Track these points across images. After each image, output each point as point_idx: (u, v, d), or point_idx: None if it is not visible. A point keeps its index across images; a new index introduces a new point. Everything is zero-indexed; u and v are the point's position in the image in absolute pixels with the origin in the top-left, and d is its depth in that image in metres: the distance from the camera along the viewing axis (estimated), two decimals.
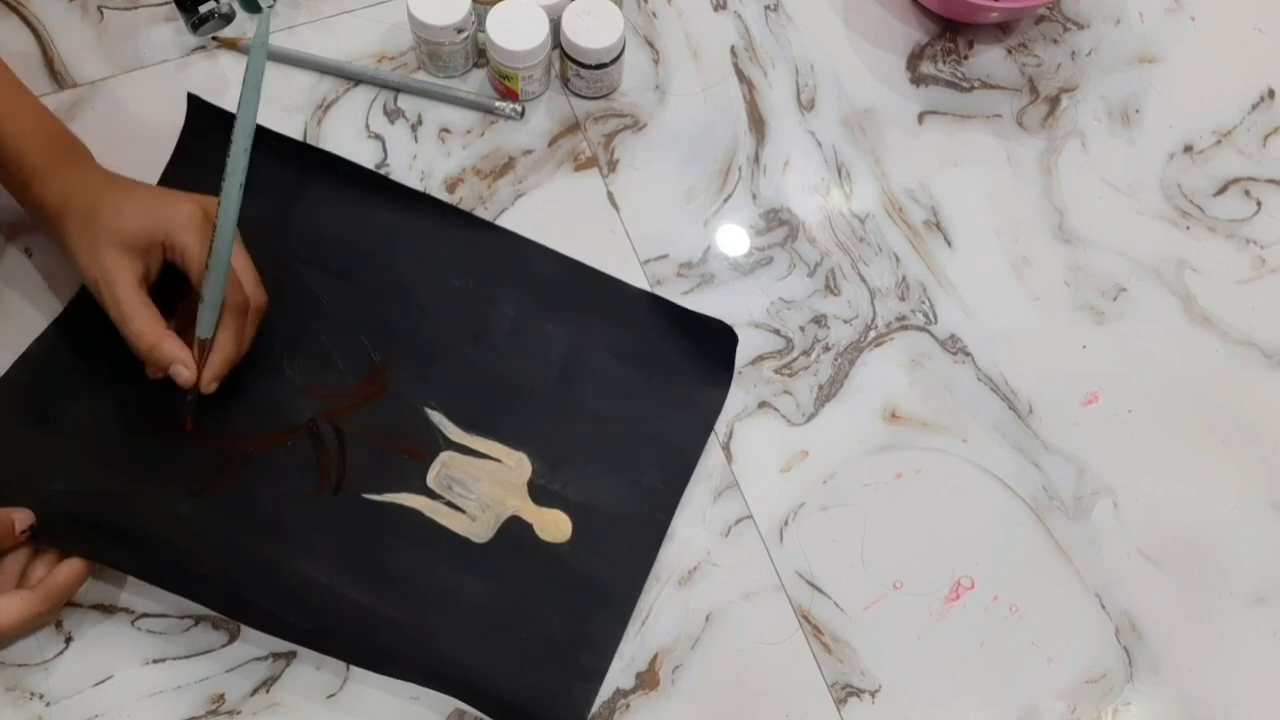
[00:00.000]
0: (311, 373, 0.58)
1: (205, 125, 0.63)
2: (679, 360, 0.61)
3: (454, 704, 0.53)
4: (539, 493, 0.57)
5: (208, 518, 0.54)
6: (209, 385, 0.55)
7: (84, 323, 0.57)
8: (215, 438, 0.56)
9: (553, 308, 0.61)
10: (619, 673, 0.55)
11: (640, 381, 0.60)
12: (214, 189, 0.53)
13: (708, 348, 0.61)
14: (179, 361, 0.53)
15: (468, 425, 0.58)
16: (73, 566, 0.51)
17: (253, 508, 0.55)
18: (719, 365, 0.61)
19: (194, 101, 0.64)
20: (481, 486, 0.57)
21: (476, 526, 0.56)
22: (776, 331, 0.63)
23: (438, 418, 0.58)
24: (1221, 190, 0.71)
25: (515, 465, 0.57)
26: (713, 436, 0.60)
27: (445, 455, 0.57)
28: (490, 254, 0.62)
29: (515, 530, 0.56)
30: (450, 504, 0.56)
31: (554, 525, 0.56)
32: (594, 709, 0.54)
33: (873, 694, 0.56)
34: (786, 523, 0.59)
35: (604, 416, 0.59)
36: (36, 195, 0.54)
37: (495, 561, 0.55)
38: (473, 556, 0.55)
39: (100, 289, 0.53)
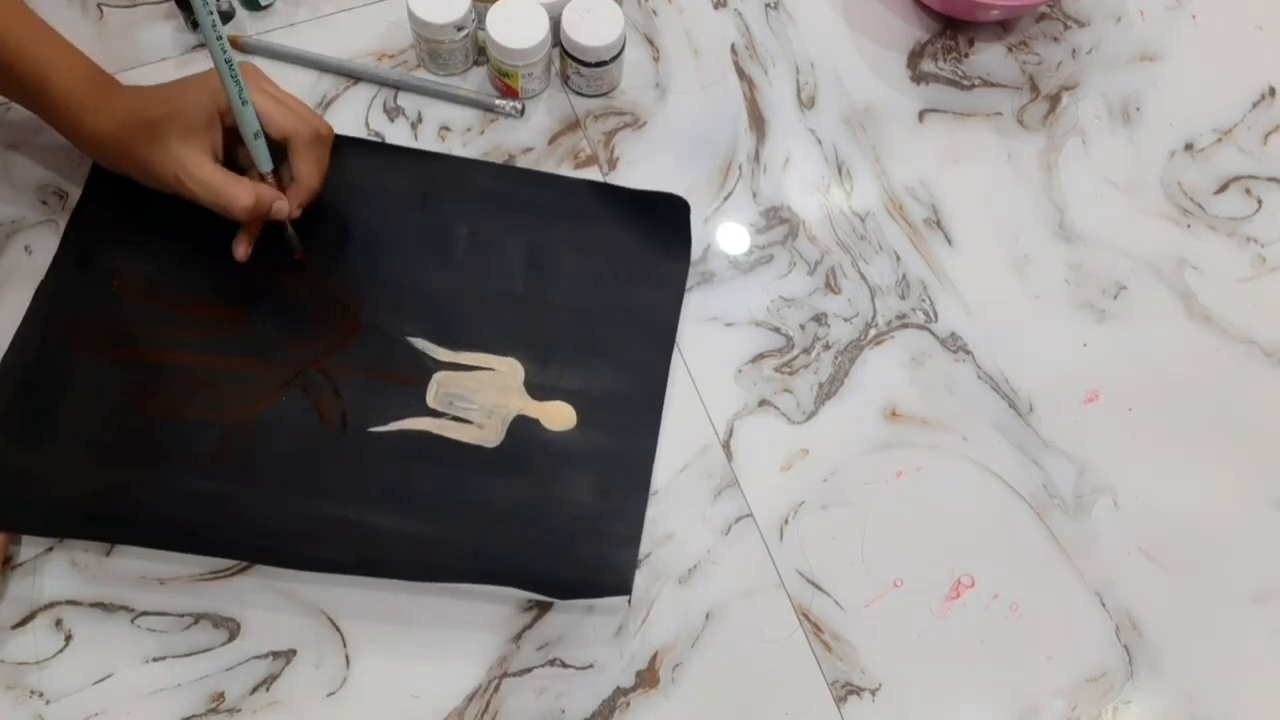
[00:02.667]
0: (287, 328, 0.59)
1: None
2: (636, 239, 0.63)
3: (454, 703, 0.53)
4: (536, 390, 0.59)
5: (226, 488, 0.55)
6: (295, 211, 0.58)
7: (42, 332, 0.57)
8: (210, 412, 0.57)
9: (504, 217, 0.63)
10: (619, 671, 0.55)
11: (604, 267, 0.63)
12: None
13: (662, 221, 0.64)
14: (277, 198, 0.57)
15: (452, 344, 0.60)
16: None
17: (265, 469, 0.56)
18: (676, 235, 0.64)
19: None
20: (481, 396, 0.59)
21: (486, 433, 0.58)
22: (777, 330, 0.63)
23: (421, 344, 0.60)
24: (1222, 188, 0.71)
25: (508, 370, 0.59)
26: (713, 434, 0.60)
27: (439, 375, 0.59)
28: (432, 180, 0.63)
29: (524, 428, 0.58)
30: (456, 418, 0.58)
31: (559, 415, 0.59)
32: (596, 706, 0.54)
33: (873, 692, 0.56)
34: (787, 521, 0.59)
35: (578, 307, 0.61)
36: (91, 130, 0.56)
37: (512, 460, 0.57)
38: (490, 461, 0.57)
39: (181, 178, 0.55)
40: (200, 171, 0.55)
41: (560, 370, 0.60)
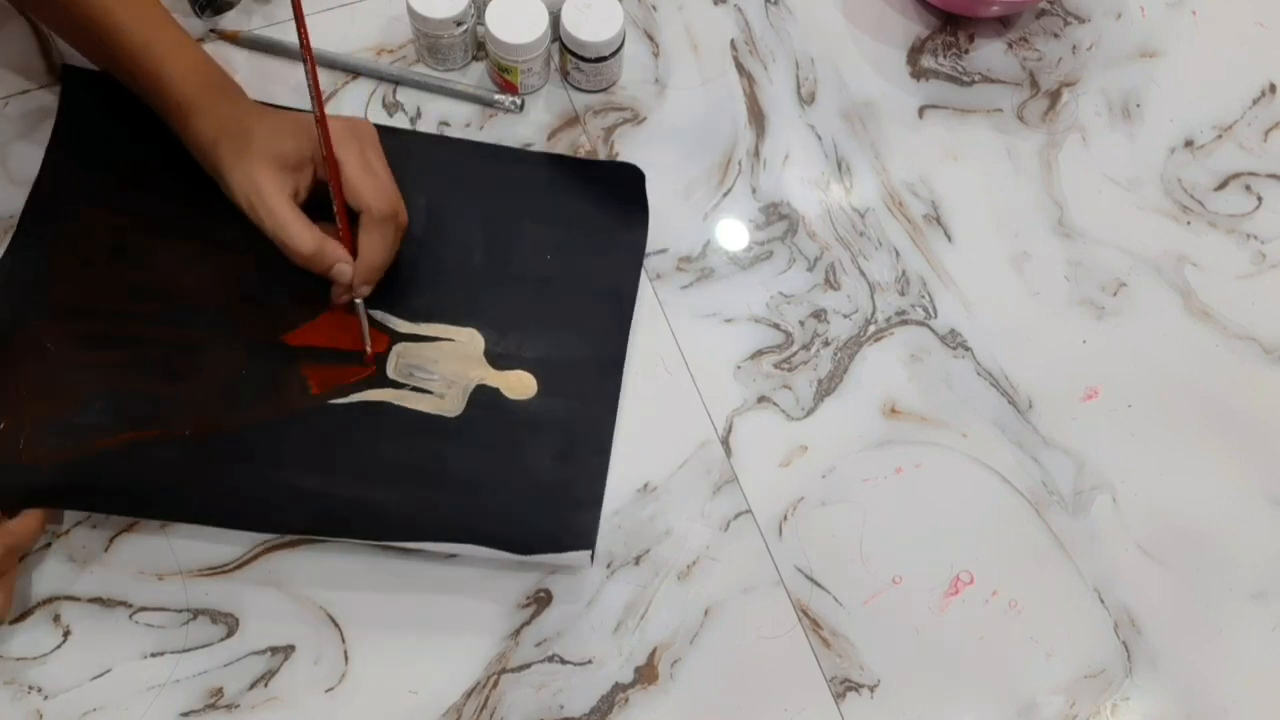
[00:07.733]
0: (247, 303, 0.59)
1: (85, 95, 0.63)
2: (592, 209, 0.64)
3: (452, 699, 0.53)
4: (496, 359, 0.60)
5: (187, 457, 0.55)
6: (360, 290, 0.57)
7: (6, 307, 0.58)
8: (171, 384, 0.57)
9: (460, 189, 0.64)
10: (618, 667, 0.55)
11: (562, 237, 0.63)
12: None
13: (617, 191, 0.64)
14: (341, 260, 0.56)
15: (411, 316, 0.60)
16: (27, 519, 0.52)
17: (226, 440, 0.56)
18: (633, 204, 0.64)
19: (69, 71, 0.63)
20: (441, 366, 0.59)
21: (446, 403, 0.58)
22: (776, 326, 0.63)
23: (381, 315, 0.60)
24: (1222, 185, 0.71)
25: (468, 340, 0.60)
26: (712, 430, 0.60)
27: (399, 346, 0.59)
28: (389, 154, 0.61)
29: (485, 397, 0.59)
30: (416, 389, 0.58)
31: (519, 384, 0.59)
32: (594, 701, 0.54)
33: (871, 689, 0.56)
34: (785, 517, 0.59)
35: (537, 277, 0.62)
36: (194, 130, 0.56)
37: (473, 429, 0.58)
38: (450, 429, 0.58)
39: (254, 204, 0.55)
40: (273, 202, 0.54)
41: (520, 339, 0.60)
